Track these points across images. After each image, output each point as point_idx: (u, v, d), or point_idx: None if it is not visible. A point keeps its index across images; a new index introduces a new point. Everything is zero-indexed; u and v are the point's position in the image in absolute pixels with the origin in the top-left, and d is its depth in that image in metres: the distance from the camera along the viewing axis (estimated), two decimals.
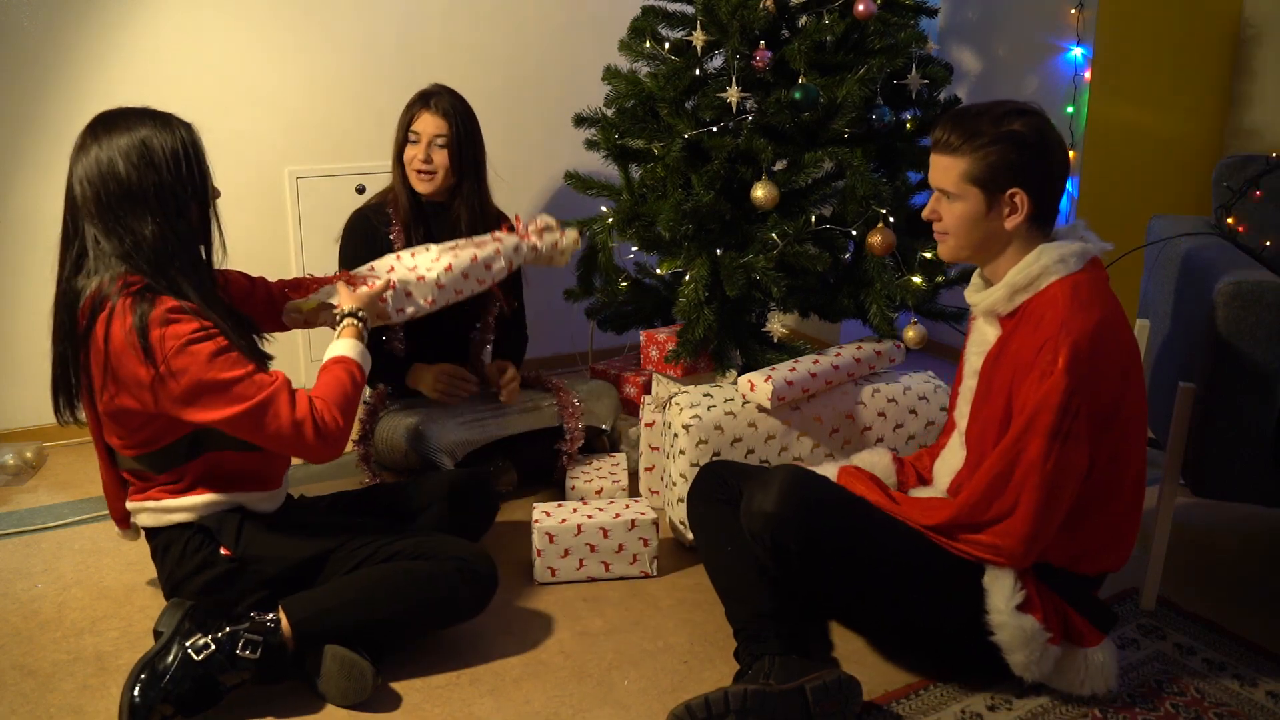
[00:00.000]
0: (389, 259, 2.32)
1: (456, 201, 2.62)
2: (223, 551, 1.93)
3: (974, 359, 1.93)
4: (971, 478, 1.82)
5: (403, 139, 2.59)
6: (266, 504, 2.01)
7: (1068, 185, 1.89)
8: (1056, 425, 1.70)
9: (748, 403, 2.35)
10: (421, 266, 2.30)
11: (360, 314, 2.07)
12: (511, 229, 2.48)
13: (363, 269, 2.29)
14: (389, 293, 2.21)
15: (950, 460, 2.00)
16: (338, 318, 2.07)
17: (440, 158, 2.57)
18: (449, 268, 2.31)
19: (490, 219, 2.64)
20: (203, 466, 1.92)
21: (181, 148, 1.82)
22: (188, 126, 1.85)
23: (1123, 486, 1.82)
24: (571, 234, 2.51)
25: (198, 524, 1.94)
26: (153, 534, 2.00)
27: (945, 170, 1.83)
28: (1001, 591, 1.79)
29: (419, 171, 2.57)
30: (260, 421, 1.79)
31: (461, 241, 2.40)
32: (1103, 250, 1.84)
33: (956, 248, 1.88)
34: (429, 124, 2.56)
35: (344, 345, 1.98)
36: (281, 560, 1.94)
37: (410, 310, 2.28)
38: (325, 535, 1.98)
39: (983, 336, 1.92)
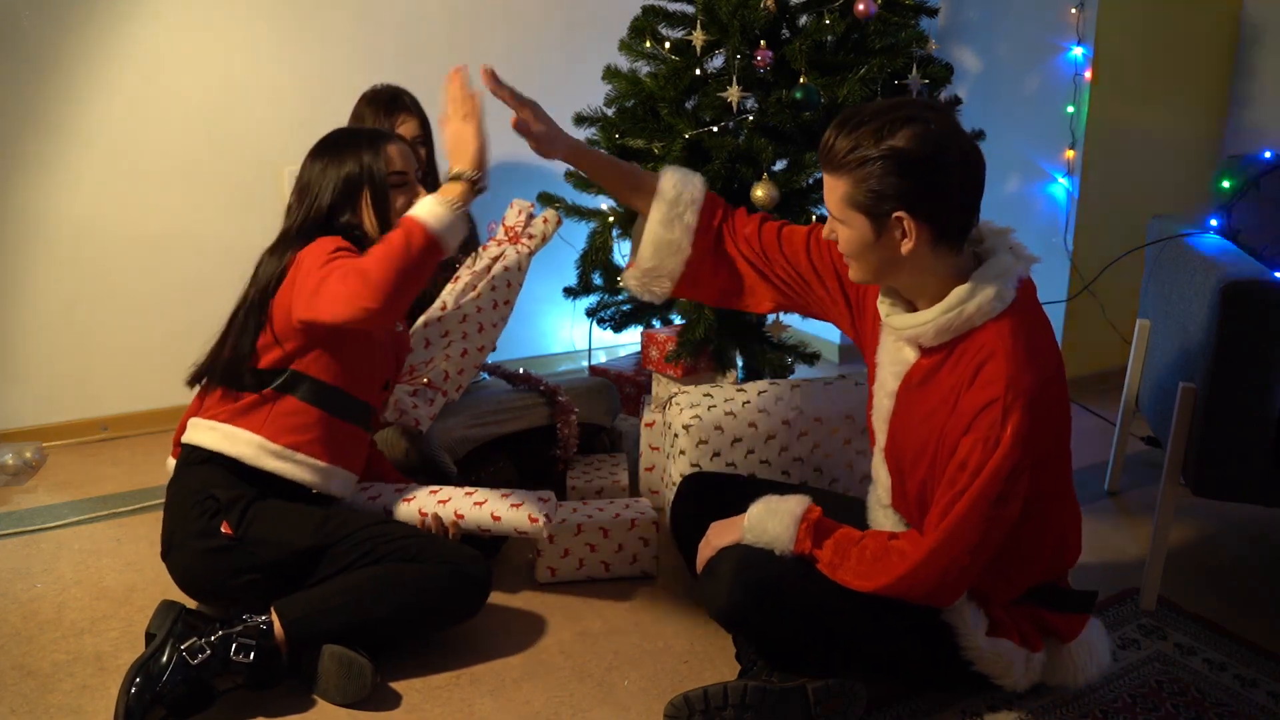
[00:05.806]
0: (436, 308, 2.45)
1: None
2: (223, 529, 1.93)
3: (888, 378, 1.76)
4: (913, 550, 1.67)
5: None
6: (334, 488, 2.04)
7: (979, 201, 1.63)
8: (999, 491, 1.58)
9: (748, 403, 2.35)
10: (451, 300, 2.44)
11: (469, 175, 1.78)
12: (501, 237, 2.47)
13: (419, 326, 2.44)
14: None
15: (879, 479, 1.85)
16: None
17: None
18: (479, 309, 2.45)
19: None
20: (292, 407, 1.96)
21: None
22: None
23: (1047, 516, 1.73)
24: (553, 216, 2.53)
25: (218, 476, 1.96)
26: (180, 467, 2.02)
27: (829, 190, 1.63)
28: (966, 624, 1.74)
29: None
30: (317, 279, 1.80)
31: (470, 278, 2.46)
32: (1030, 264, 1.67)
33: (862, 273, 1.67)
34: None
35: (423, 204, 1.78)
36: (277, 548, 1.93)
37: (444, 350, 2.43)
38: (327, 529, 1.96)
39: (898, 354, 1.74)
